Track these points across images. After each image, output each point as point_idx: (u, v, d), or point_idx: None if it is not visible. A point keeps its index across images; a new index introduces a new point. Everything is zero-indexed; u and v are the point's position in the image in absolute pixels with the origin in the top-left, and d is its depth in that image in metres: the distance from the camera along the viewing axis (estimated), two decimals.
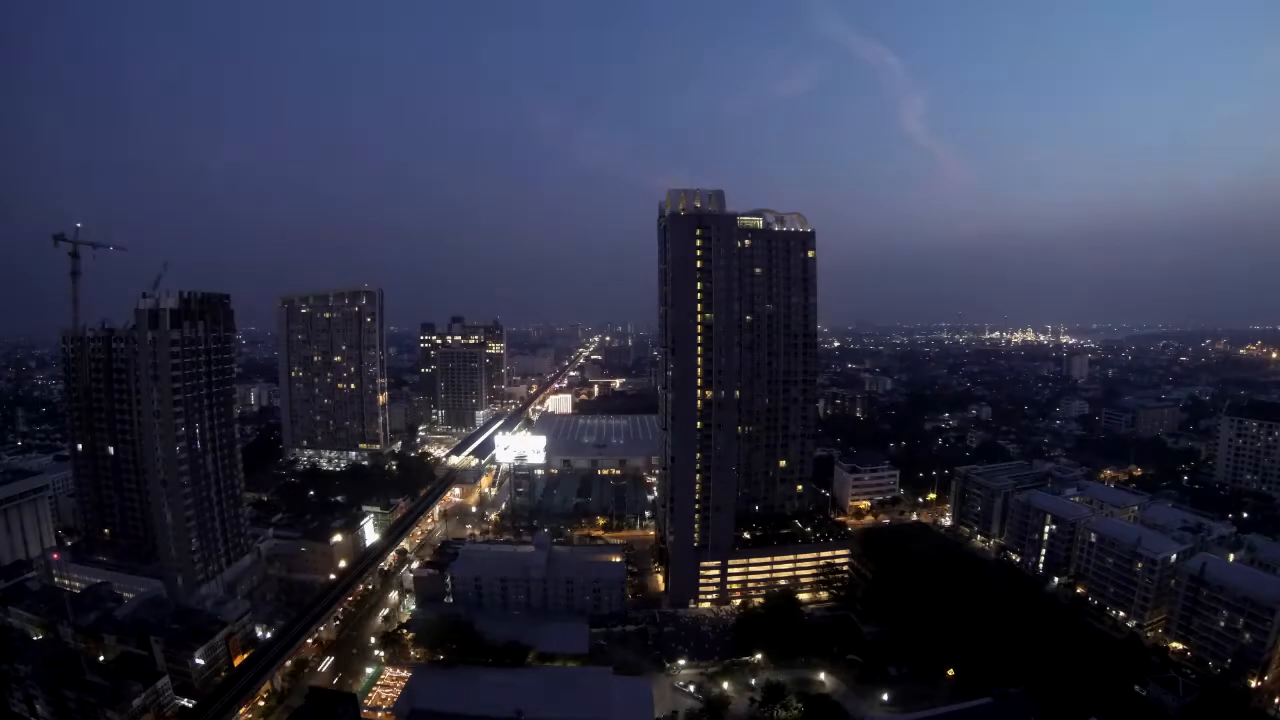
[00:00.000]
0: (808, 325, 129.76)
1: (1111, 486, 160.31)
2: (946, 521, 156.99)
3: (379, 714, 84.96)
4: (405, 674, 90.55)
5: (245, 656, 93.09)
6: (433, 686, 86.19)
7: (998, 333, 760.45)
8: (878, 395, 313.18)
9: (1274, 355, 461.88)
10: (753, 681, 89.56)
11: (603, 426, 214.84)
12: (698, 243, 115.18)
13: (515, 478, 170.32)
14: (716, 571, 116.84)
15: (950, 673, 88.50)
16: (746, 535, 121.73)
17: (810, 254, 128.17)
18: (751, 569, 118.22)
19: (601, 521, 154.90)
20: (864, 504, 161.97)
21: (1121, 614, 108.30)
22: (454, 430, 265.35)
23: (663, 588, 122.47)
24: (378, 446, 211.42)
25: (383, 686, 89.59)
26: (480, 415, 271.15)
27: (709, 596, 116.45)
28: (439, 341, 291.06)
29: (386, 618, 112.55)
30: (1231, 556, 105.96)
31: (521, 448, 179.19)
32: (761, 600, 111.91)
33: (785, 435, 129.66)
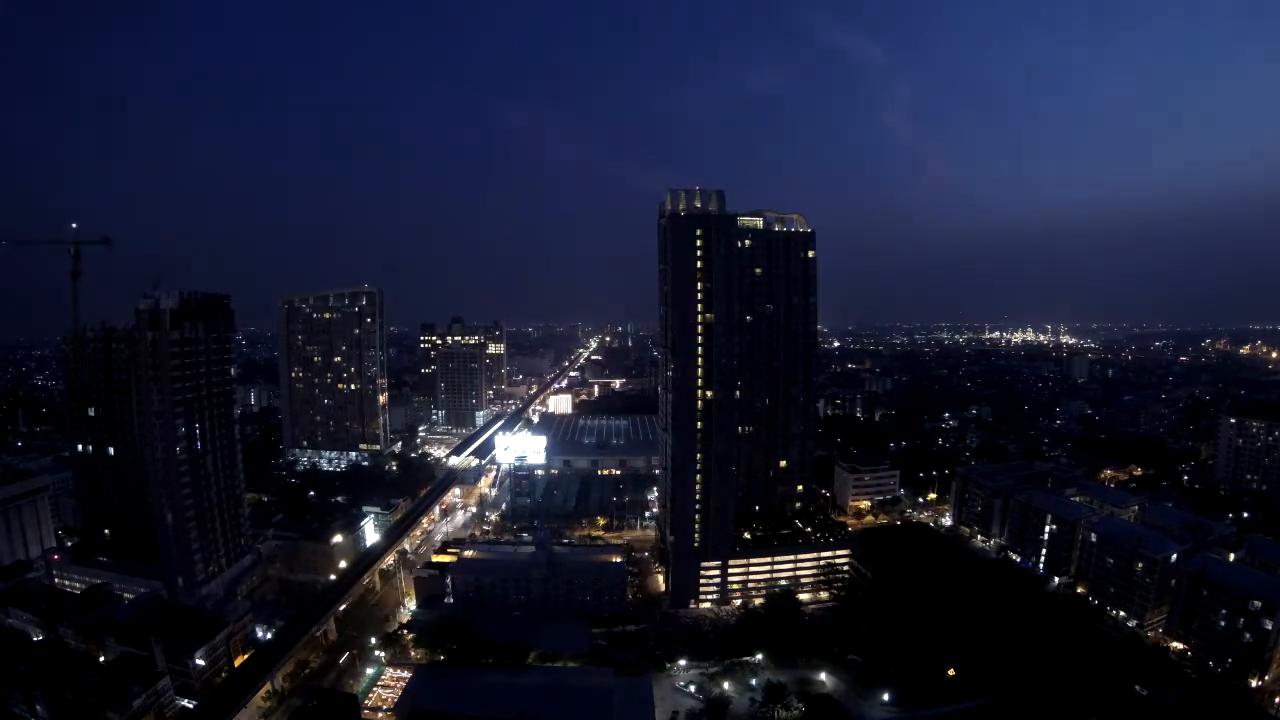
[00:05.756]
0: (808, 325, 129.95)
1: (1111, 486, 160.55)
2: (946, 521, 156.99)
3: (379, 714, 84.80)
4: (406, 674, 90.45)
5: (246, 657, 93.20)
6: (433, 687, 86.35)
7: (998, 333, 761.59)
8: (878, 395, 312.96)
9: (1274, 355, 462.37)
10: (753, 681, 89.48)
11: (603, 427, 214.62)
12: (698, 243, 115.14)
13: (515, 478, 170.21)
14: (717, 572, 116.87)
15: (950, 673, 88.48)
16: (747, 535, 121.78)
17: (810, 254, 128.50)
18: (752, 569, 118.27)
19: (602, 521, 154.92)
20: (864, 504, 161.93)
21: (1122, 614, 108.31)
22: (454, 430, 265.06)
23: (663, 588, 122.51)
24: (378, 447, 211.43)
25: (383, 687, 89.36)
26: (480, 415, 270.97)
27: (710, 597, 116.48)
28: (439, 341, 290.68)
29: (387, 618, 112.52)
30: (1231, 556, 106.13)
31: (522, 448, 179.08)
32: (762, 600, 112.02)
33: (785, 435, 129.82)
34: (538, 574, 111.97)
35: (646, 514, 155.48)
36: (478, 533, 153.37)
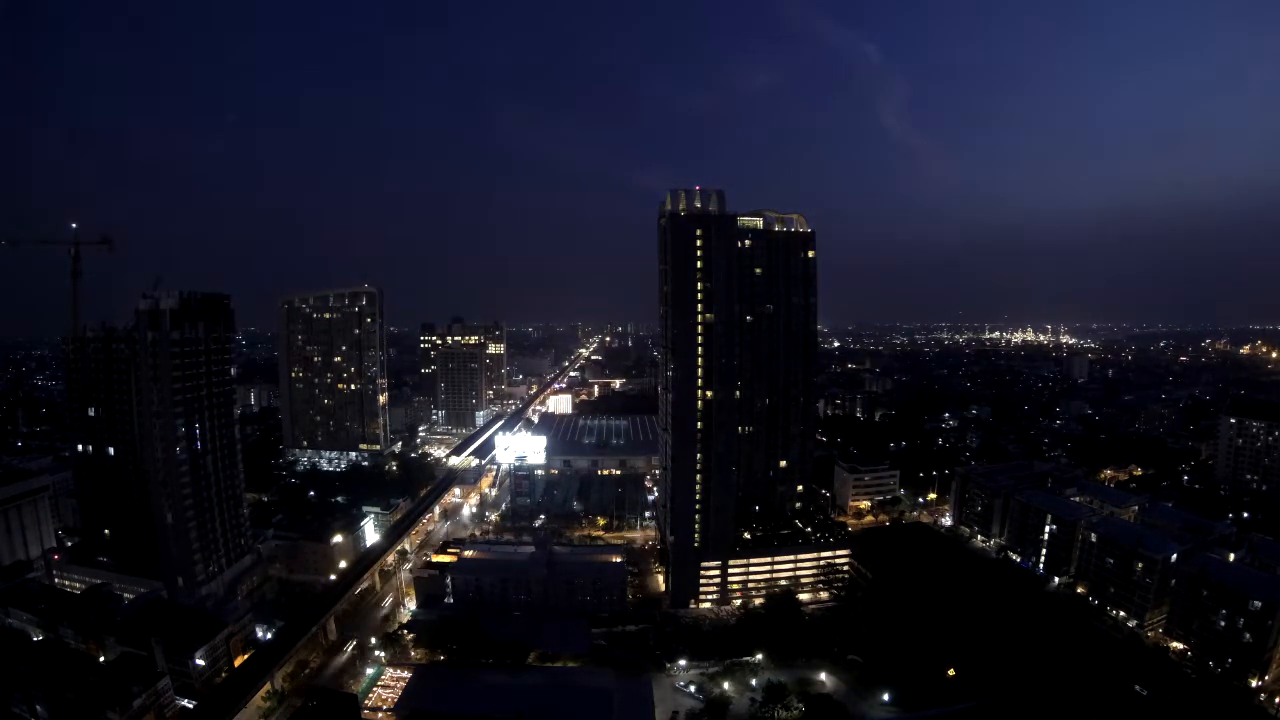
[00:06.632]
0: (808, 325, 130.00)
1: (1111, 486, 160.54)
2: (946, 521, 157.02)
3: (379, 714, 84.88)
4: (406, 674, 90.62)
5: (246, 657, 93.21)
6: (433, 687, 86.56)
7: (998, 333, 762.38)
8: (878, 395, 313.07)
9: (1274, 355, 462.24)
10: (753, 681, 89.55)
11: (603, 427, 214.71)
12: (698, 243, 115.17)
13: (515, 478, 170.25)
14: (717, 572, 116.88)
15: (950, 673, 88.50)
16: (747, 535, 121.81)
17: (810, 254, 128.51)
18: (752, 569, 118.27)
19: (601, 521, 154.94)
20: (864, 504, 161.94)
21: (1121, 614, 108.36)
22: (454, 431, 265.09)
23: (663, 588, 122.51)
24: (378, 447, 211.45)
25: (383, 687, 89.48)
26: (480, 415, 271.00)
27: (710, 597, 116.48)
28: (439, 342, 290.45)
29: (387, 618, 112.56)
30: (1231, 556, 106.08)
31: (522, 448, 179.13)
32: (762, 600, 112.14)
33: (785, 435, 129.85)
34: (538, 574, 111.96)
35: (646, 514, 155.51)
36: (478, 533, 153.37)
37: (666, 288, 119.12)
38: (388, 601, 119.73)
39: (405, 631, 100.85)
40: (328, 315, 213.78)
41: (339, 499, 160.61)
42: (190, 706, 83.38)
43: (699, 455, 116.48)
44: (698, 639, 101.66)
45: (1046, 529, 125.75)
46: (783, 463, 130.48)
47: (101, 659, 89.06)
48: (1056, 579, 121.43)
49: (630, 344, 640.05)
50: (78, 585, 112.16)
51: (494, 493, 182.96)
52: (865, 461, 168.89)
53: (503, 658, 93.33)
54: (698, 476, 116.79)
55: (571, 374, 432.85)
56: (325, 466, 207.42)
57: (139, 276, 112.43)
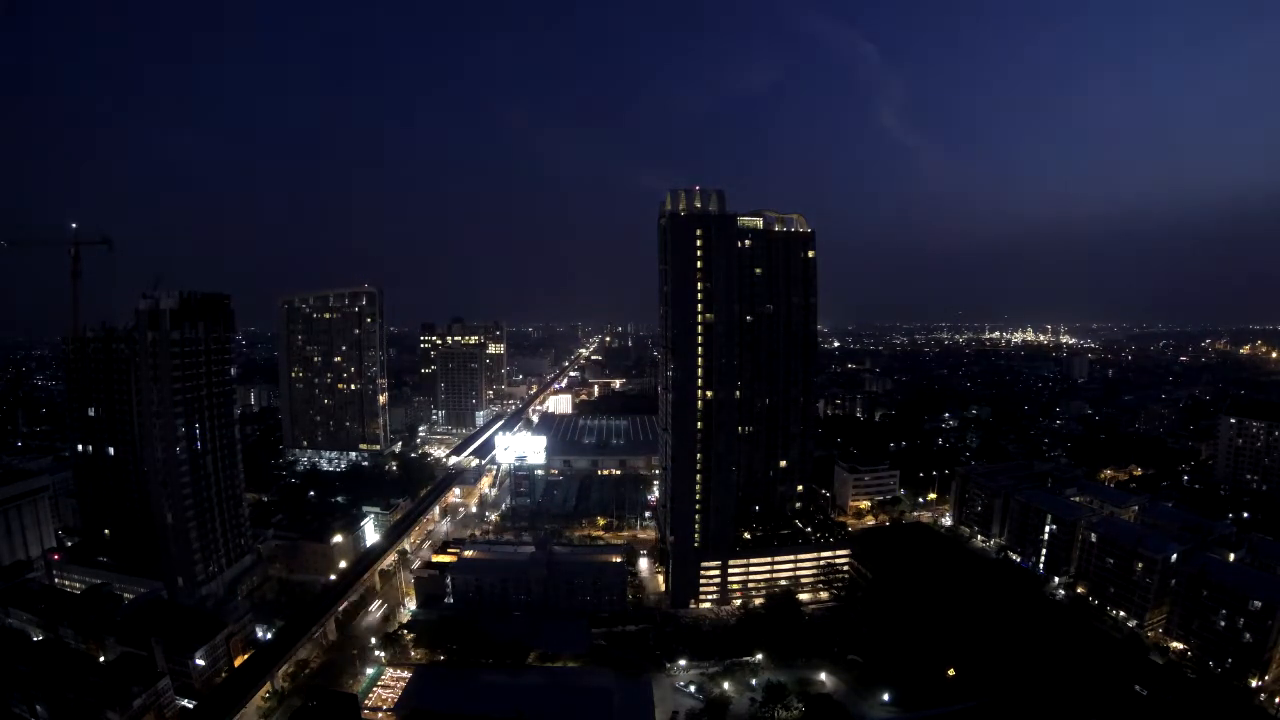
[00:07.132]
0: (808, 325, 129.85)
1: (1111, 486, 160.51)
2: (946, 521, 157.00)
3: (379, 714, 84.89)
4: (406, 674, 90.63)
5: (246, 657, 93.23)
6: (433, 687, 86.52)
7: (998, 333, 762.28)
8: (878, 395, 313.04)
9: (1274, 355, 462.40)
10: (753, 681, 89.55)
11: (603, 427, 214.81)
12: (698, 243, 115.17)
13: (515, 478, 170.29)
14: (717, 572, 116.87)
15: (950, 673, 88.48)
16: (747, 535, 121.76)
17: (810, 254, 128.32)
18: (752, 569, 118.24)
19: (602, 521, 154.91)
20: (864, 504, 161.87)
21: (1122, 614, 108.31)
22: (454, 431, 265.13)
23: (663, 588, 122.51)
24: (378, 447, 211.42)
25: (383, 687, 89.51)
26: (480, 415, 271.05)
27: (710, 597, 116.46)
28: (439, 341, 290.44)
29: (387, 618, 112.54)
30: (1231, 556, 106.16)
31: (522, 448, 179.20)
32: (762, 600, 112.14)
33: (785, 435, 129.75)
34: (537, 574, 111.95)
35: (646, 514, 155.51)
36: (478, 533, 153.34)
37: (666, 288, 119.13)
38: (388, 601, 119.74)
39: (405, 631, 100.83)
40: (328, 315, 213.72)
41: (339, 499, 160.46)
42: (190, 706, 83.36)
43: (699, 455, 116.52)
44: (698, 639, 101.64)
45: (1046, 529, 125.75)
46: (783, 463, 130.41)
47: (101, 659, 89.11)
48: (1056, 579, 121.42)
49: (630, 344, 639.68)
50: (78, 585, 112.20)
51: (494, 493, 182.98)
52: (865, 461, 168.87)
53: (503, 658, 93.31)
54: (698, 476, 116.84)
55: (571, 374, 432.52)
56: (325, 466, 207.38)
57: (139, 277, 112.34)
